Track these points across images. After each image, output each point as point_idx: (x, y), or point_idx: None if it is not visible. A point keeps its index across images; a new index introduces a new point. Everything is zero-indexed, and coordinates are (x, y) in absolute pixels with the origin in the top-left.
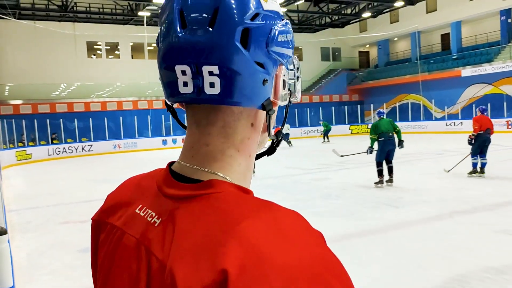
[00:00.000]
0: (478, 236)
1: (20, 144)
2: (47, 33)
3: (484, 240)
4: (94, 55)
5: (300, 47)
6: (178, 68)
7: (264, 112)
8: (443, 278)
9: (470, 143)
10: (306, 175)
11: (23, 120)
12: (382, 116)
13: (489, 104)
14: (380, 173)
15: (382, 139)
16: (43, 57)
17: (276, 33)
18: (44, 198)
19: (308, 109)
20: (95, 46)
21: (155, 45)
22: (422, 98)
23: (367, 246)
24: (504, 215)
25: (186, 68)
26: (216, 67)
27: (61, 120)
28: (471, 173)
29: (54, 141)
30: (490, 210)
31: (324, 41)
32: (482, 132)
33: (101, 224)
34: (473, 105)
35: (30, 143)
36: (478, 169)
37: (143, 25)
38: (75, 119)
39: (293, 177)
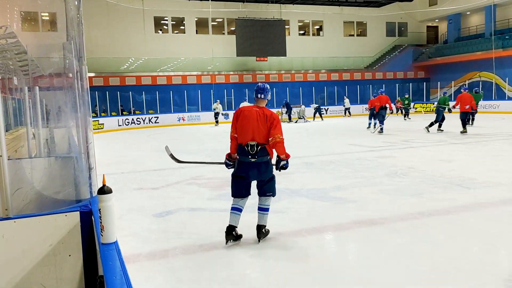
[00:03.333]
0: None
1: (93, 114)
2: (118, 8)
3: None
4: (161, 30)
5: (364, 22)
6: None
7: None
8: None
9: None
10: (370, 152)
11: (96, 92)
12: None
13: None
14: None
15: None
16: (113, 32)
17: None
18: (119, 166)
19: (370, 85)
20: (162, 21)
21: (219, 20)
22: (495, 76)
23: (438, 227)
24: None
25: None
26: None
27: (130, 92)
28: None
29: (136, 112)
30: None
31: (390, 15)
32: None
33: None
34: None
35: (102, 114)
36: None
37: (208, 0)
38: (143, 92)
39: (357, 154)
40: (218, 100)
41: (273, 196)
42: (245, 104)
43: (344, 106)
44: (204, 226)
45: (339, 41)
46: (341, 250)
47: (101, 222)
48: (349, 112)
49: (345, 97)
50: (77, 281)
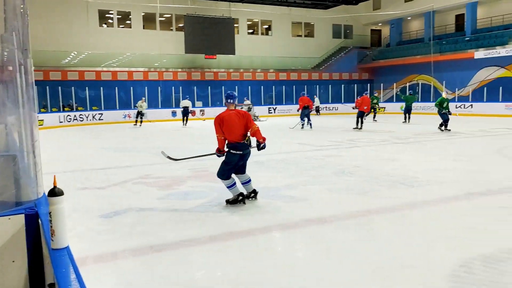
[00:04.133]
0: (497, 219)
1: None
2: (60, 0)
3: (503, 222)
4: (106, 24)
5: (312, 23)
6: None
7: None
8: (463, 258)
9: None
10: (317, 151)
11: (36, 87)
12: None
13: (500, 88)
14: None
15: None
16: (54, 24)
17: None
18: (61, 164)
19: (317, 86)
20: (107, 15)
21: (167, 16)
22: (433, 79)
23: (384, 224)
24: None
25: None
26: None
27: (72, 88)
28: None
29: (79, 108)
30: (506, 194)
31: (336, 18)
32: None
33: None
34: (485, 88)
35: (42, 110)
36: None
37: None
38: (86, 88)
39: (305, 153)
40: (143, 98)
41: None
42: (186, 102)
43: (313, 104)
44: (154, 226)
45: (287, 41)
46: (291, 249)
47: (51, 226)
48: (319, 111)
49: (315, 96)
50: None
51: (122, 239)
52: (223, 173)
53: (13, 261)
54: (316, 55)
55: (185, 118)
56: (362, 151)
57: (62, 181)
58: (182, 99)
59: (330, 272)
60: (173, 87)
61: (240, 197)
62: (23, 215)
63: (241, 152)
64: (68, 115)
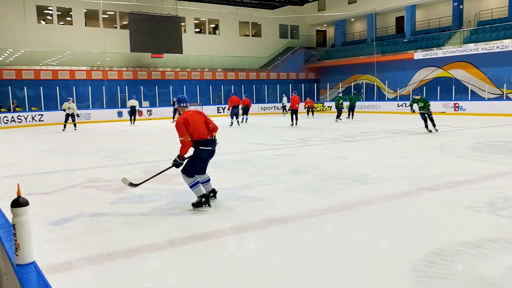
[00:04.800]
0: (448, 212)
1: None
2: None
3: (454, 216)
4: (44, 20)
5: (259, 23)
6: None
7: None
8: (422, 252)
9: None
10: (270, 150)
11: None
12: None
13: (438, 87)
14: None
15: None
16: None
17: None
18: (0, 170)
19: (266, 85)
20: (46, 11)
21: (110, 13)
22: (376, 79)
23: (344, 222)
24: (467, 193)
25: None
26: None
27: (9, 87)
28: None
29: (17, 109)
30: (453, 188)
31: (283, 18)
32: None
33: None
34: (424, 87)
35: None
36: None
37: None
38: (25, 87)
39: (258, 152)
40: (70, 98)
41: None
42: (133, 101)
43: (282, 104)
44: (109, 232)
45: (235, 40)
46: (254, 250)
47: (15, 240)
48: (286, 110)
49: (283, 95)
50: None
51: (76, 247)
52: (191, 169)
53: None
54: (263, 54)
55: (132, 117)
56: (314, 149)
57: (2, 188)
58: (129, 99)
59: (296, 272)
60: (118, 87)
61: (204, 199)
62: None
63: (211, 148)
64: (5, 116)
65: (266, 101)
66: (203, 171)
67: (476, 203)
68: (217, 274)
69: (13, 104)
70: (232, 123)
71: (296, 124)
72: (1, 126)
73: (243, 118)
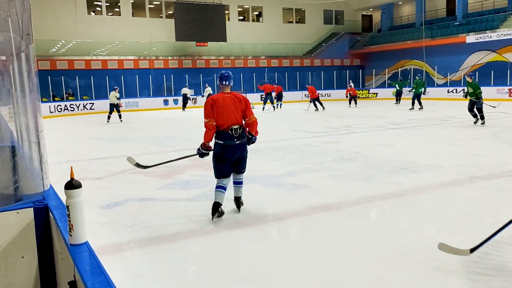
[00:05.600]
0: (503, 202)
1: None
2: None
3: (508, 205)
4: (94, 11)
5: (303, 9)
6: None
7: None
8: (474, 242)
9: None
10: (314, 138)
11: None
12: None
13: (492, 72)
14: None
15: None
16: (41, 12)
17: None
18: (55, 155)
19: (309, 72)
20: (95, 3)
21: (156, 2)
22: (425, 64)
23: (392, 210)
24: None
25: None
26: None
27: (62, 77)
28: None
29: (70, 98)
30: (508, 177)
31: (327, 3)
32: None
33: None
34: (476, 72)
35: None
36: None
37: None
38: (76, 77)
39: (302, 140)
40: (117, 88)
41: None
42: (185, 89)
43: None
44: (156, 216)
45: (278, 27)
46: (299, 237)
47: (69, 221)
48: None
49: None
50: (32, 285)
51: (126, 231)
52: (214, 168)
53: (23, 257)
54: (307, 41)
55: (184, 104)
56: (360, 137)
57: (58, 172)
58: (182, 87)
59: (341, 260)
60: (164, 75)
61: (213, 207)
62: (31, 208)
63: (223, 143)
64: (59, 105)
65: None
66: (236, 169)
67: None
68: (262, 260)
69: (68, 93)
70: (264, 108)
71: (323, 109)
72: (55, 115)
73: (277, 104)
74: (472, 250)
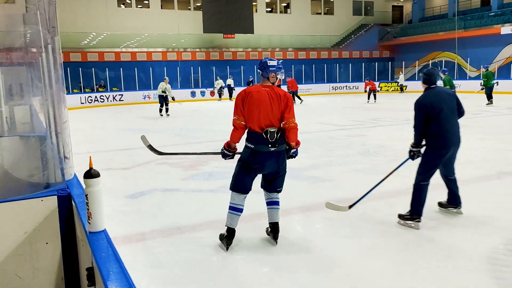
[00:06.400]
0: None
1: None
2: None
3: None
4: (124, 4)
5: (331, 0)
6: None
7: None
8: (500, 240)
9: None
10: (340, 131)
11: None
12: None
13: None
14: None
15: None
16: (73, 5)
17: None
18: (83, 145)
19: (337, 65)
20: None
21: None
22: (457, 56)
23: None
24: None
25: None
26: None
27: (92, 69)
28: None
29: (100, 89)
30: None
31: None
32: None
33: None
34: (511, 65)
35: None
36: None
37: None
38: (106, 69)
39: (328, 132)
40: (166, 78)
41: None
42: (220, 82)
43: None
44: (180, 207)
45: (306, 19)
46: (321, 230)
47: (88, 209)
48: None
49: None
50: (56, 271)
51: (149, 220)
52: (233, 178)
53: (47, 243)
54: (336, 33)
55: (230, 94)
56: (386, 130)
57: (86, 162)
58: (218, 79)
59: (362, 255)
60: (192, 67)
61: (226, 234)
62: (55, 196)
63: (253, 147)
64: (89, 96)
65: (338, 81)
66: (270, 186)
67: None
68: (283, 252)
69: (99, 84)
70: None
71: (301, 102)
72: (86, 105)
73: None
74: (350, 207)
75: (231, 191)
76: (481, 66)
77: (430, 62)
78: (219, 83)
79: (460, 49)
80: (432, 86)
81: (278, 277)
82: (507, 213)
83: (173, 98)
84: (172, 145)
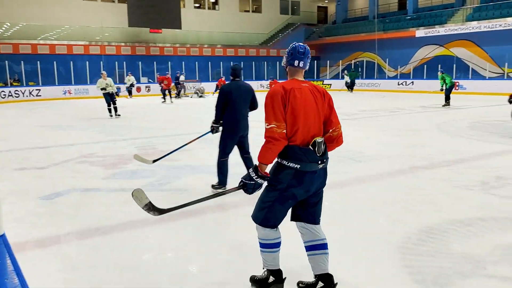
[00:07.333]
0: (441, 191)
1: None
2: None
3: (446, 194)
4: None
5: None
6: None
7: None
8: (411, 230)
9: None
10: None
11: None
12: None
13: (439, 65)
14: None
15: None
16: None
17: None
18: None
19: (265, 62)
20: None
21: None
22: (377, 56)
23: (336, 199)
24: (461, 172)
25: None
26: None
27: (6, 61)
28: None
29: (15, 83)
30: (447, 166)
31: None
32: None
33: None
34: (425, 66)
35: None
36: None
37: None
38: (22, 62)
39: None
40: (104, 72)
41: None
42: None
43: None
44: (100, 207)
45: (234, 16)
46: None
47: None
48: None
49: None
50: None
51: (65, 222)
52: (263, 211)
53: None
54: (263, 31)
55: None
56: None
57: None
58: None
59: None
60: (116, 62)
61: (274, 280)
62: None
63: (299, 167)
64: (3, 91)
65: (266, 78)
66: (310, 216)
67: (469, 182)
68: (208, 248)
69: (13, 78)
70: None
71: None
72: None
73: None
74: (154, 161)
75: (261, 225)
76: (438, 70)
77: (353, 62)
78: (130, 79)
79: (380, 50)
80: (236, 79)
81: None
82: (417, 205)
83: (117, 94)
84: (95, 143)
